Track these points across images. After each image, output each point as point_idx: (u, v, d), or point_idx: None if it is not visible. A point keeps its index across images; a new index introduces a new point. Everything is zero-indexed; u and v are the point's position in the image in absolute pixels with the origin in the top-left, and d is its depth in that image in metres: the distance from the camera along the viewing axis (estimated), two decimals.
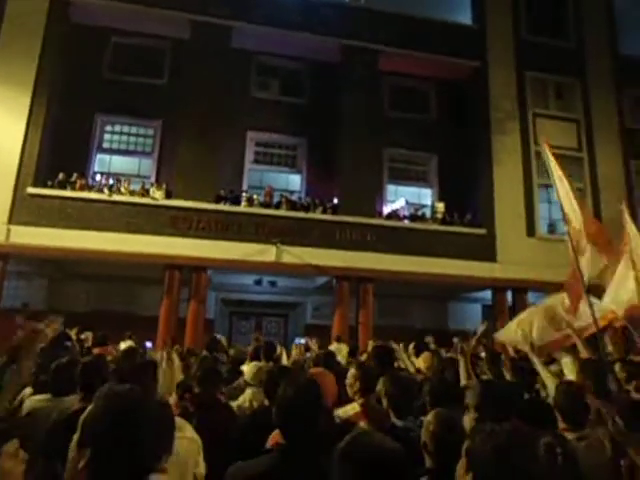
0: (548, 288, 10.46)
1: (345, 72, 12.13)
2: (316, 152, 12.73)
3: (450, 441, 1.69)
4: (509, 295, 11.49)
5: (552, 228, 12.21)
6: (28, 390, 3.00)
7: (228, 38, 11.55)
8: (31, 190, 9.79)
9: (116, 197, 10.12)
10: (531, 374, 3.79)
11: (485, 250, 11.48)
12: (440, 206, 12.18)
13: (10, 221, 9.55)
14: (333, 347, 7.67)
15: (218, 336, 7.13)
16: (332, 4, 12.30)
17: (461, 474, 1.32)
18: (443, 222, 11.69)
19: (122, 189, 10.37)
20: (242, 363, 4.53)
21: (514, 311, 11.31)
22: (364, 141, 11.69)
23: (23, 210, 9.66)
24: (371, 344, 6.09)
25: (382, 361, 3.74)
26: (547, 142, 4.67)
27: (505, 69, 12.83)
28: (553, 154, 4.53)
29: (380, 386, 2.70)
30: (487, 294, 11.82)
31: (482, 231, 11.64)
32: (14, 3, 10.56)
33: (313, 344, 6.76)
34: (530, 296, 11.46)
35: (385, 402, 2.64)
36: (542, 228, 12.18)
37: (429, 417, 1.91)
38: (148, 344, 6.84)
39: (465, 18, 13.22)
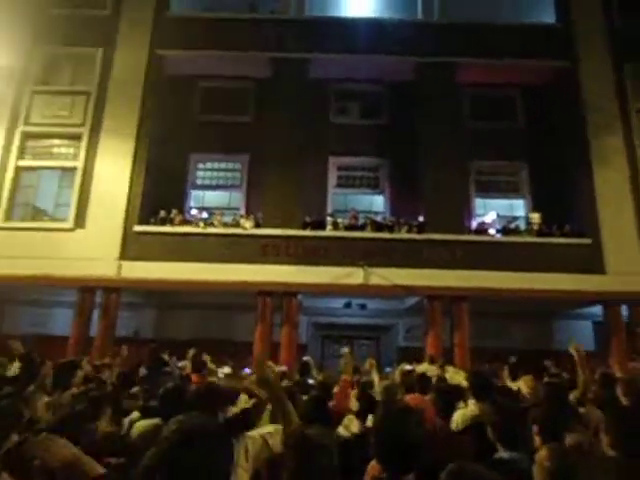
0: None
1: (422, 89, 11.99)
2: (398, 171, 12.62)
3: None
4: (624, 310, 10.36)
5: None
6: (135, 414, 3.21)
7: (306, 70, 12.01)
8: (137, 228, 10.75)
9: (210, 229, 10.78)
10: None
11: (591, 261, 10.50)
12: (535, 217, 11.40)
13: (121, 257, 10.53)
14: (423, 368, 7.35)
15: (306, 358, 7.18)
16: (403, 23, 12.32)
17: None
18: (540, 234, 10.92)
19: (215, 222, 11.03)
20: (331, 387, 4.51)
21: (630, 327, 10.21)
22: (447, 156, 11.38)
23: (131, 246, 10.61)
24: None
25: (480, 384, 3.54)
26: None
27: (598, 65, 11.88)
28: None
29: (482, 413, 2.53)
30: (597, 310, 10.76)
31: (587, 241, 10.68)
32: (118, 59, 11.90)
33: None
34: None
35: (490, 432, 2.47)
36: None
37: (543, 452, 1.74)
38: (247, 370, 7.06)
39: (548, 17, 12.52)
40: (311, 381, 6.37)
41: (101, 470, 2.10)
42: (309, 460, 1.47)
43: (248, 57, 12.06)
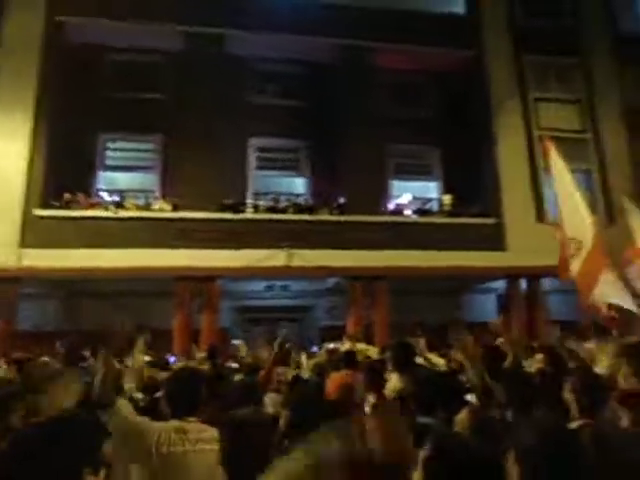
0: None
1: (341, 71, 12.11)
2: (319, 154, 12.70)
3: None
4: (523, 283, 11.36)
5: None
6: None
7: (222, 46, 11.59)
8: (39, 212, 9.87)
9: (122, 213, 10.17)
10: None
11: (495, 239, 11.37)
12: (447, 198, 12.09)
13: (21, 244, 9.63)
14: (347, 346, 7.55)
15: (236, 342, 7.10)
16: (322, 5, 12.27)
17: (510, 466, 1.31)
18: (451, 214, 11.60)
19: (128, 205, 10.42)
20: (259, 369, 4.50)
21: (528, 299, 11.25)
22: (366, 139, 11.65)
23: (32, 232, 9.73)
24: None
25: (401, 358, 3.70)
26: (548, 147, 4.59)
27: (502, 56, 12.71)
28: (550, 145, 4.49)
29: (401, 384, 2.66)
30: (501, 284, 11.70)
31: (491, 220, 11.54)
32: (9, 27, 10.68)
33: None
34: (544, 283, 11.35)
35: (409, 399, 2.59)
36: (551, 213, 12.03)
37: (462, 415, 1.87)
38: (172, 358, 6.83)
39: (458, 8, 13.12)
40: (235, 365, 6.32)
41: None
42: (244, 438, 1.48)
43: (161, 29, 11.36)
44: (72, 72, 11.29)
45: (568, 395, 2.35)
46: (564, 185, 4.29)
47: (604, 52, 13.32)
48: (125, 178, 12.17)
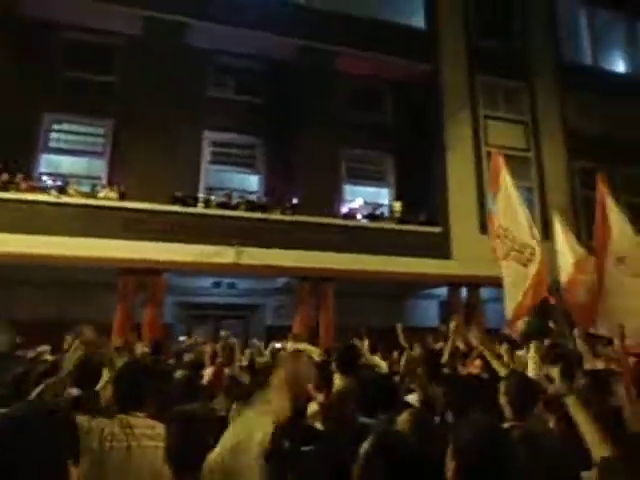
0: (499, 283, 10.99)
1: (302, 72, 12.15)
2: (274, 152, 12.67)
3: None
4: (464, 291, 11.85)
5: None
6: None
7: (182, 36, 11.32)
8: None
9: (65, 199, 9.70)
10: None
11: (441, 248, 11.79)
12: (397, 205, 12.43)
13: None
14: (291, 345, 7.58)
15: (182, 338, 6.95)
16: (288, 3, 12.29)
17: (448, 462, 1.39)
18: (401, 221, 11.92)
19: (71, 191, 9.95)
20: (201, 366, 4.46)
21: (468, 307, 11.75)
22: (322, 141, 11.75)
23: None
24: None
25: (346, 360, 3.77)
26: (499, 162, 4.84)
27: (457, 72, 13.23)
28: (501, 161, 4.75)
29: (347, 385, 2.72)
30: (443, 291, 12.14)
31: (438, 229, 11.96)
32: None
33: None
34: (482, 292, 11.90)
35: (354, 401, 2.66)
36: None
37: (404, 416, 1.95)
38: None
39: (418, 21, 13.51)
40: (178, 361, 6.19)
41: None
42: (194, 433, 1.48)
43: (119, 11, 10.92)
44: (20, 46, 10.65)
45: (502, 399, 2.51)
46: (512, 200, 4.54)
47: (548, 78, 14.19)
48: (70, 162, 11.60)
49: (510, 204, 4.54)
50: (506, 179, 4.63)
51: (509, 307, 4.70)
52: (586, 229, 13.33)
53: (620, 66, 16.18)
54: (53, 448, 1.11)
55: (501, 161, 4.78)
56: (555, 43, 14.72)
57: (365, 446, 1.36)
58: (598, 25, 15.73)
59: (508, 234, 4.51)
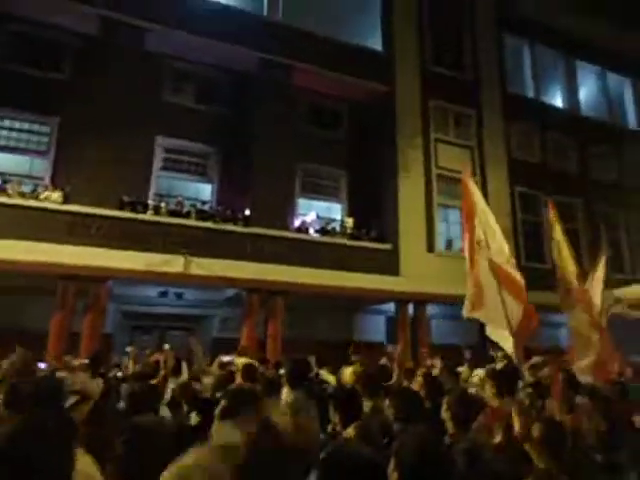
0: (444, 301, 11.41)
1: (260, 84, 12.19)
2: (229, 162, 12.57)
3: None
4: (410, 307, 12.16)
5: (449, 245, 13.19)
6: None
7: (140, 39, 11.08)
8: None
9: (3, 199, 9.15)
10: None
11: (390, 265, 12.06)
12: (349, 221, 12.64)
13: None
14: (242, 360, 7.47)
15: (129, 349, 6.64)
16: (250, 16, 12.34)
17: (390, 471, 1.43)
18: (352, 237, 12.11)
19: (10, 191, 9.40)
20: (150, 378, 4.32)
21: (415, 322, 12.07)
22: (277, 154, 11.78)
23: None
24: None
25: (295, 374, 3.78)
26: (467, 177, 5.02)
27: (411, 95, 13.72)
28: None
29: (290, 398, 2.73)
30: (391, 306, 12.40)
31: (387, 246, 12.24)
32: None
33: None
34: (429, 308, 12.27)
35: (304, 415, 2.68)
36: (440, 245, 13.11)
37: (350, 430, 1.99)
38: (42, 365, 6.16)
39: (376, 43, 13.94)
40: (119, 374, 5.97)
41: None
42: (150, 448, 1.45)
43: (74, 8, 10.55)
44: None
45: (445, 413, 2.61)
46: (489, 219, 4.73)
47: (495, 107, 15.03)
48: (10, 160, 10.97)
49: (488, 223, 4.71)
50: (480, 200, 4.80)
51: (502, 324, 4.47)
52: (524, 250, 14.18)
53: (559, 101, 17.37)
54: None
55: (471, 183, 4.94)
56: (501, 75, 15.63)
57: (320, 456, 1.38)
58: (540, 61, 16.86)
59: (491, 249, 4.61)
